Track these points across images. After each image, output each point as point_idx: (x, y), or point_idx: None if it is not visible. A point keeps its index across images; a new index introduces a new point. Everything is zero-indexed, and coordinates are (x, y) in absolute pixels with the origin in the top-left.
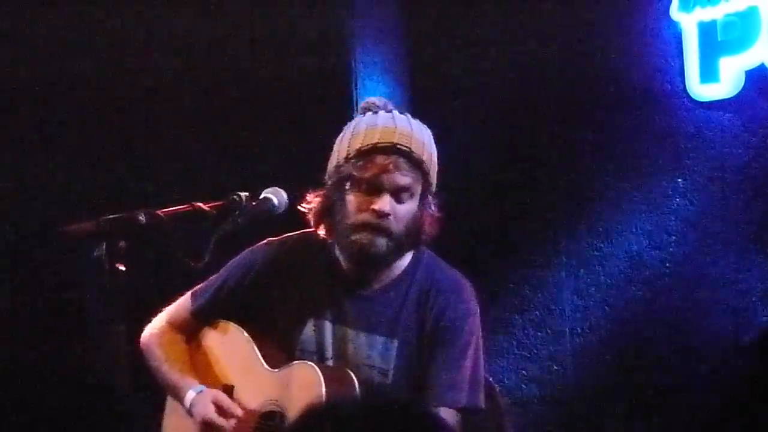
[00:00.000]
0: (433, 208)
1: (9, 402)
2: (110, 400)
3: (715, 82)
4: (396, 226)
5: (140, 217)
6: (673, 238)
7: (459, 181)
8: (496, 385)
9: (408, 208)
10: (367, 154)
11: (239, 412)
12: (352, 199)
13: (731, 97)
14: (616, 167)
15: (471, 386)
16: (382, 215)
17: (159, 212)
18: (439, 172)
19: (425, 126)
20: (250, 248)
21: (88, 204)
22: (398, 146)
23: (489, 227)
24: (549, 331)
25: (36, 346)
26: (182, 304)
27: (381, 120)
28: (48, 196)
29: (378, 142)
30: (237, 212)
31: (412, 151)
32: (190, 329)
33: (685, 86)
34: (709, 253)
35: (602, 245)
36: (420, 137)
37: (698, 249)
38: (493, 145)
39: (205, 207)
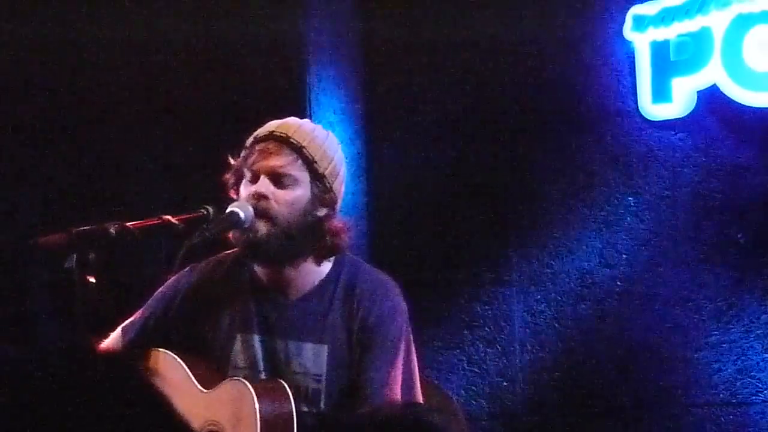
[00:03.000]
0: (337, 214)
1: None
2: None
3: (667, 102)
4: (278, 210)
5: (110, 230)
6: (624, 256)
7: (411, 195)
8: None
9: (293, 195)
10: (249, 147)
11: None
12: (241, 191)
13: (683, 117)
14: (568, 185)
15: (406, 382)
16: (258, 196)
17: (129, 224)
18: (392, 186)
19: (331, 133)
20: (175, 275)
21: (58, 216)
22: (275, 134)
23: (440, 242)
24: (499, 347)
25: None
26: (114, 338)
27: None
28: (18, 207)
29: (258, 134)
30: (204, 225)
31: (290, 137)
32: None
33: (637, 105)
34: (660, 272)
35: (553, 263)
36: (308, 131)
37: (649, 267)
38: (446, 161)
39: (173, 220)
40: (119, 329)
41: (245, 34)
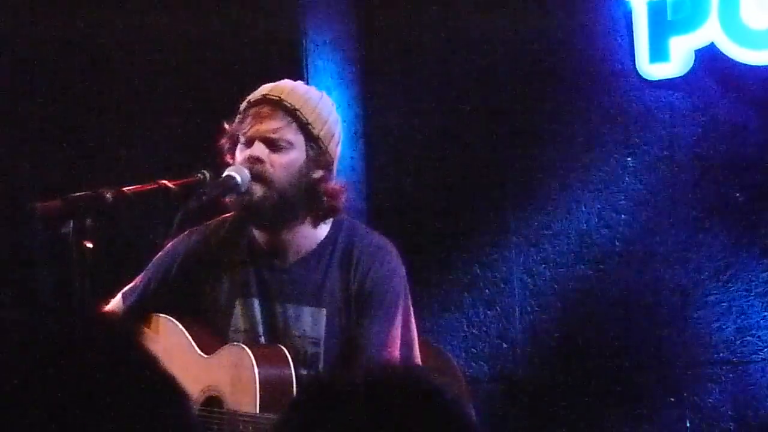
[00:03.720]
0: (333, 176)
1: None
2: None
3: (664, 62)
4: (273, 173)
5: (107, 195)
6: (623, 216)
7: (409, 159)
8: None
9: (289, 158)
10: (243, 112)
11: None
12: (236, 156)
13: (681, 77)
14: (566, 146)
15: (404, 345)
16: (254, 160)
17: (125, 189)
18: (390, 148)
19: (324, 94)
20: (172, 241)
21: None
22: (268, 97)
23: (437, 205)
24: (499, 309)
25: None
26: (114, 304)
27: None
28: (14, 174)
29: (251, 98)
30: (201, 190)
31: (283, 100)
32: None
33: (634, 65)
34: (659, 232)
35: (552, 224)
36: (301, 93)
37: (647, 228)
38: (443, 123)
39: (170, 184)
40: (119, 295)
41: (245, 6)
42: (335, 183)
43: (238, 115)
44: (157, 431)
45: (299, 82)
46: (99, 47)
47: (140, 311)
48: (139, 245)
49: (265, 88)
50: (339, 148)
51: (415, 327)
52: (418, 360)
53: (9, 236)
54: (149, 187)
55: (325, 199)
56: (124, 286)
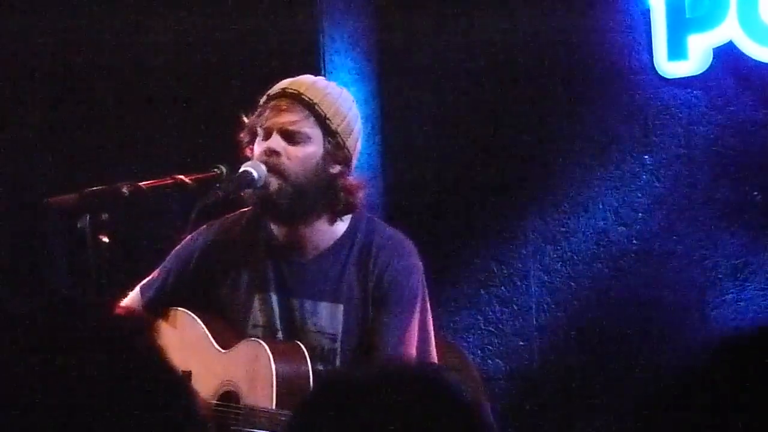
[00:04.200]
0: (352, 172)
1: None
2: None
3: (683, 60)
4: (290, 166)
5: (123, 189)
6: (640, 214)
7: (426, 155)
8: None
9: (305, 152)
10: (262, 105)
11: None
12: (255, 149)
13: (699, 74)
14: (583, 143)
15: (421, 342)
16: (270, 152)
17: (141, 184)
18: (407, 144)
19: (345, 90)
20: (190, 235)
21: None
22: (287, 90)
23: (455, 202)
24: (515, 306)
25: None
26: (132, 298)
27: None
28: (32, 169)
29: (270, 92)
30: (217, 185)
31: (302, 94)
32: None
33: (652, 63)
34: (676, 230)
35: (569, 221)
36: (320, 88)
37: (665, 226)
38: (461, 120)
39: (186, 179)
40: (137, 288)
41: (263, 1)
42: (353, 179)
43: (258, 109)
44: (163, 424)
45: (320, 78)
46: (119, 42)
47: (158, 305)
48: (155, 240)
49: (284, 83)
50: (359, 144)
51: (432, 324)
52: (435, 357)
53: (25, 230)
54: (165, 182)
55: (342, 194)
56: (140, 281)
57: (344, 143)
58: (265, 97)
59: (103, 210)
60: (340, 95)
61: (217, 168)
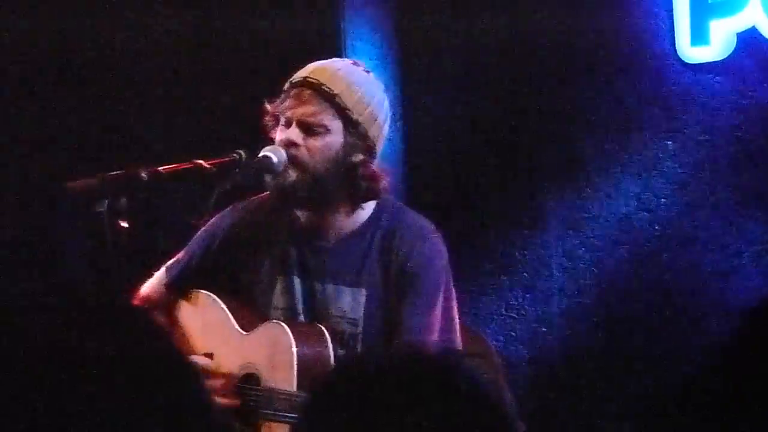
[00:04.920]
0: (375, 159)
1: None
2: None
3: (705, 45)
4: (308, 157)
5: (142, 174)
6: (662, 200)
7: (447, 141)
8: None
9: (324, 143)
10: (286, 92)
11: (213, 367)
12: (277, 135)
13: (721, 60)
14: (606, 129)
15: (444, 328)
16: (288, 144)
17: (160, 169)
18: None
19: (372, 75)
20: (216, 216)
21: (89, 161)
22: (308, 79)
23: (477, 187)
24: (537, 292)
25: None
26: (157, 277)
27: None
28: (49, 152)
29: (293, 79)
30: (237, 170)
31: (322, 84)
32: (166, 302)
33: (675, 49)
34: (698, 216)
35: (591, 207)
36: (343, 76)
37: (687, 211)
38: (482, 105)
39: (205, 164)
40: (163, 268)
41: None
42: (376, 167)
43: (282, 94)
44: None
45: (346, 63)
46: (142, 26)
47: (182, 284)
48: (174, 225)
49: (307, 69)
50: (385, 130)
51: (457, 312)
52: (459, 344)
53: (43, 215)
54: (184, 167)
55: (363, 182)
56: (158, 267)
57: (366, 132)
58: (288, 83)
59: (122, 195)
60: (365, 82)
61: (237, 153)
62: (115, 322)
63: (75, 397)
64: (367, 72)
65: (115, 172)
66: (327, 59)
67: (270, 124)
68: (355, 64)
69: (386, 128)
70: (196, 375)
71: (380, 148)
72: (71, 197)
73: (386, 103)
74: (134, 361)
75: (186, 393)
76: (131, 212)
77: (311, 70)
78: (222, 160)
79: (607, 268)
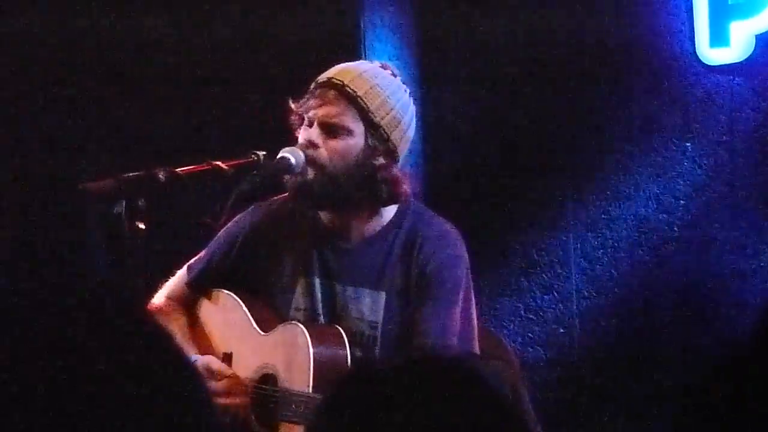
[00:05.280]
0: (397, 163)
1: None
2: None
3: (725, 46)
4: (327, 159)
5: (160, 175)
6: (681, 202)
7: (466, 142)
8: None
9: (344, 145)
10: (311, 91)
11: (228, 371)
12: (300, 134)
13: (741, 61)
14: (625, 130)
15: (463, 333)
16: (309, 144)
17: (178, 170)
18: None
19: (397, 79)
20: (239, 215)
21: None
22: (332, 80)
23: (495, 188)
24: (556, 294)
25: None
26: (179, 276)
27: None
28: (67, 154)
29: (319, 79)
30: (254, 171)
31: (346, 85)
32: (188, 301)
33: (694, 50)
34: (718, 218)
35: (610, 208)
36: (368, 78)
37: (706, 213)
38: (501, 106)
39: (223, 165)
40: (185, 267)
41: None
42: (398, 171)
43: (306, 94)
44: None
45: (372, 66)
46: (157, 28)
47: (203, 283)
48: (192, 226)
49: (333, 70)
50: (408, 135)
51: (476, 315)
52: (477, 349)
53: (60, 215)
54: (202, 168)
55: (384, 186)
56: (176, 268)
57: (388, 136)
58: (314, 83)
59: (140, 196)
60: (389, 85)
61: (254, 154)
62: (119, 324)
63: (74, 398)
64: (394, 76)
65: (132, 173)
66: (354, 61)
67: (296, 123)
68: (383, 67)
69: (410, 133)
70: (199, 381)
71: (403, 152)
72: (89, 198)
73: (411, 108)
74: (136, 366)
75: (188, 399)
76: (149, 213)
77: (337, 71)
78: (240, 161)
79: (626, 269)
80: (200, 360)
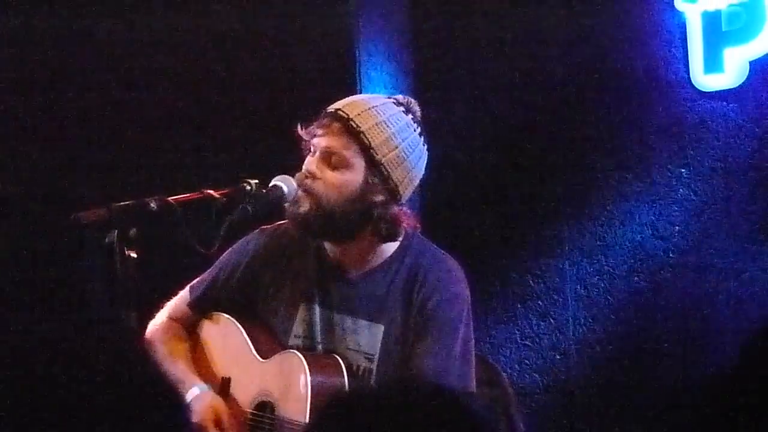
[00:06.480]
0: (395, 202)
1: (14, 393)
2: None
3: (719, 73)
4: (323, 190)
5: (151, 204)
6: (677, 228)
7: (462, 170)
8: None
9: (342, 178)
10: (319, 120)
11: (224, 409)
12: (305, 162)
13: (735, 88)
14: (620, 157)
15: (461, 369)
16: (307, 174)
17: (170, 199)
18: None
19: (410, 118)
20: (244, 237)
21: (98, 191)
22: (338, 112)
23: (492, 217)
24: (552, 320)
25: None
26: (181, 297)
27: (351, 97)
28: (58, 183)
29: (327, 108)
30: (247, 200)
31: (351, 119)
32: (189, 322)
33: (689, 76)
34: (713, 243)
35: (605, 235)
36: (375, 114)
37: (701, 239)
38: (497, 134)
39: (215, 194)
40: (187, 287)
41: (295, 9)
42: (398, 209)
43: (315, 122)
44: None
45: (386, 101)
46: (148, 53)
47: (205, 305)
48: (184, 255)
49: (343, 101)
50: (414, 173)
51: (474, 353)
52: (473, 388)
53: (52, 245)
54: (194, 197)
55: (383, 224)
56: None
57: (389, 174)
58: (323, 113)
59: (132, 225)
60: (397, 122)
61: (246, 182)
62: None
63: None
64: (407, 112)
65: (124, 202)
66: (369, 94)
67: (305, 150)
68: (396, 103)
69: (416, 172)
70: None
71: (406, 191)
72: (81, 227)
73: (421, 147)
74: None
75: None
76: (141, 242)
77: (346, 103)
78: (231, 190)
79: (622, 296)
80: (212, 398)
